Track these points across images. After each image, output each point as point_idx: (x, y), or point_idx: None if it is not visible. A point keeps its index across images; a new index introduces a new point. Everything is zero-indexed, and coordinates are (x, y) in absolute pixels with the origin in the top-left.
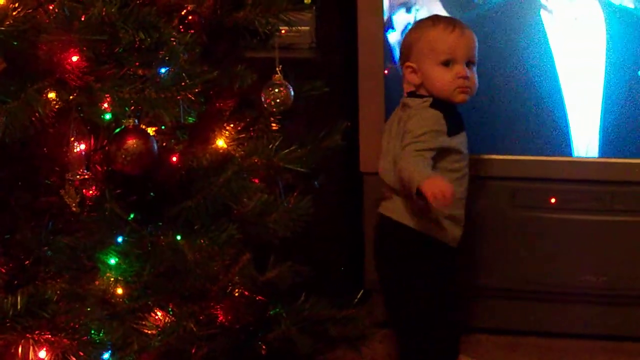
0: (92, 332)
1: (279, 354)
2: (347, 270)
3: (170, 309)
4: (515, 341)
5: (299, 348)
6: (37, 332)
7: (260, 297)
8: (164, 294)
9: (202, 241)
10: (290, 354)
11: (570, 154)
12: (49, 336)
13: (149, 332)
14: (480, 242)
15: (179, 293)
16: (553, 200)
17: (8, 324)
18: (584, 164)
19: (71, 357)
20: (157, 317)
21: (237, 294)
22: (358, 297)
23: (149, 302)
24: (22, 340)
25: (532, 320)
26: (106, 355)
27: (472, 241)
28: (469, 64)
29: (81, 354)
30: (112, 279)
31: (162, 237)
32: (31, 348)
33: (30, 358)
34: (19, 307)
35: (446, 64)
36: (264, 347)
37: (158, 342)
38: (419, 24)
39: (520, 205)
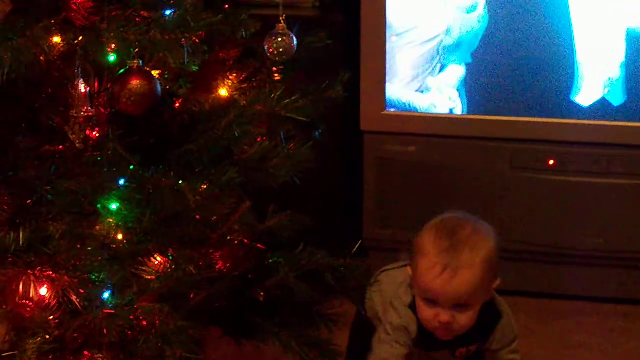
0: (93, 271)
1: (276, 301)
2: (345, 225)
3: (170, 254)
4: (512, 302)
5: (296, 296)
6: (38, 268)
7: (259, 245)
8: (164, 240)
9: (203, 184)
10: (288, 301)
11: (569, 116)
12: (50, 273)
13: (148, 277)
14: (478, 203)
15: (179, 239)
16: (551, 162)
17: (10, 259)
18: (583, 127)
19: (72, 294)
20: (156, 262)
21: (236, 242)
22: (356, 248)
23: (149, 247)
24: (24, 277)
25: (530, 282)
26: (106, 295)
27: (471, 203)
28: (459, 306)
29: (81, 291)
30: (112, 224)
31: (163, 180)
32: (32, 284)
33: (31, 294)
34: (21, 242)
35: (430, 301)
36: (262, 293)
37: (157, 285)
38: (424, 231)
39: (519, 167)
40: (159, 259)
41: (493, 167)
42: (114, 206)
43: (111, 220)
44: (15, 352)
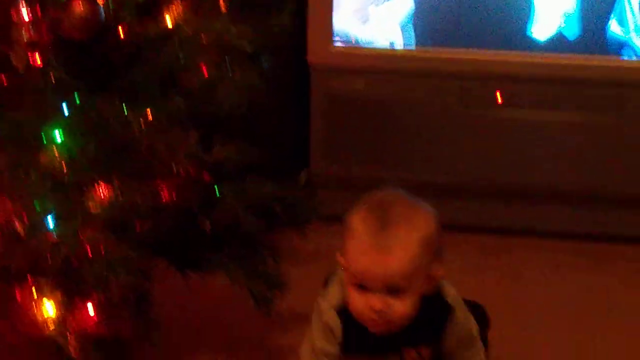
0: (37, 199)
1: (223, 233)
2: (292, 162)
3: (115, 185)
4: (462, 239)
5: (243, 227)
6: None
7: (205, 177)
8: (109, 171)
9: (148, 112)
10: (235, 232)
11: (522, 50)
12: None
13: (93, 207)
14: (428, 140)
15: (124, 170)
16: (502, 98)
17: None
18: (537, 62)
19: (16, 222)
20: (101, 193)
21: (182, 173)
22: (304, 181)
23: (94, 178)
24: None
25: (479, 218)
26: (51, 223)
27: (420, 139)
28: (393, 292)
29: (25, 219)
30: (57, 155)
31: (108, 108)
32: None
33: None
34: None
35: (360, 286)
36: (208, 225)
37: (102, 214)
38: (355, 210)
39: (469, 103)
40: (103, 190)
41: (443, 103)
42: (58, 136)
43: (55, 151)
44: None
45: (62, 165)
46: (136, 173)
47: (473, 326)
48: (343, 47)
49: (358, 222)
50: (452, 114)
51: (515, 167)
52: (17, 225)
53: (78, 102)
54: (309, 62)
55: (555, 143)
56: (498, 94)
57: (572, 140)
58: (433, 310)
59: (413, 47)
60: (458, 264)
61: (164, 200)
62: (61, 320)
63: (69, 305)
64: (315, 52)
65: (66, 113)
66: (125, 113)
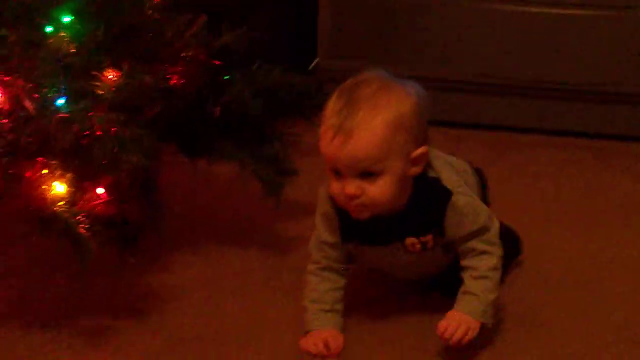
0: (47, 77)
1: (231, 118)
2: (299, 54)
3: (124, 68)
4: (467, 134)
5: (251, 110)
6: None
7: (214, 61)
8: (118, 54)
9: None
10: (243, 116)
11: None
12: (3, 76)
13: (102, 91)
14: (437, 34)
15: (133, 54)
16: None
17: None
18: None
19: (25, 99)
20: (110, 77)
21: (191, 57)
22: (311, 66)
23: (102, 62)
24: None
25: (486, 114)
26: (61, 101)
27: (429, 34)
28: (366, 175)
29: (35, 96)
30: (65, 38)
31: None
32: None
33: None
34: None
35: (336, 172)
36: (217, 109)
37: (111, 95)
38: (329, 100)
39: None
40: (112, 74)
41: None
42: (67, 19)
43: (64, 34)
44: None
45: (70, 49)
46: (145, 57)
47: (482, 214)
48: None
49: (327, 105)
50: (462, 8)
51: (525, 63)
52: (27, 103)
53: None
54: None
55: (565, 39)
56: None
57: (581, 36)
58: (430, 196)
59: None
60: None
61: (172, 85)
62: (70, 199)
63: (79, 185)
64: None
65: None
66: None
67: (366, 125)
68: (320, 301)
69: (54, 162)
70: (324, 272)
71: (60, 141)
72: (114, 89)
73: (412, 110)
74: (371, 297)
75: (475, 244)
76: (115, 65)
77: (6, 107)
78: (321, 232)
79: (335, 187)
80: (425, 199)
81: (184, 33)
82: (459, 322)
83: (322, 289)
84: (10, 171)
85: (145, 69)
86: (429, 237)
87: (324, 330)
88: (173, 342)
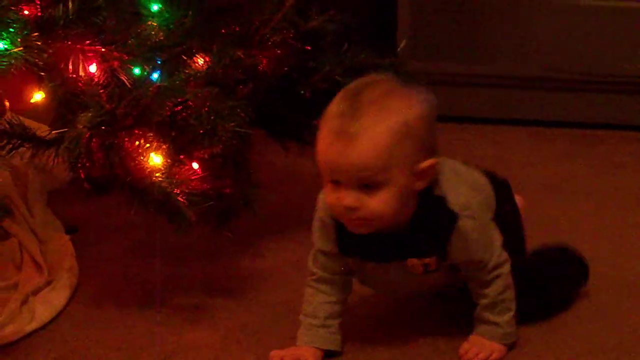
0: (143, 49)
1: (321, 97)
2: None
3: (214, 52)
4: (549, 132)
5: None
6: (87, 42)
7: (302, 45)
8: (207, 39)
9: None
10: (333, 97)
11: None
12: (100, 48)
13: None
14: (512, 30)
15: (223, 38)
16: None
17: (60, 33)
18: None
19: (121, 73)
20: (200, 63)
21: (279, 41)
22: (402, 45)
23: (192, 47)
24: (73, 52)
25: (567, 111)
26: (155, 75)
27: (504, 30)
28: (366, 187)
29: (130, 67)
30: (155, 26)
31: None
32: (81, 61)
33: (80, 72)
34: (69, 14)
35: (334, 182)
36: (307, 90)
37: (204, 73)
38: (332, 102)
39: None
40: (202, 59)
41: None
42: (155, 7)
43: (153, 22)
44: (67, 129)
45: (159, 37)
46: (234, 42)
47: (489, 242)
48: None
49: (329, 107)
50: (539, 5)
51: (604, 58)
52: (122, 76)
53: None
54: None
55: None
56: None
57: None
58: (435, 218)
59: None
60: (544, 154)
61: (262, 68)
62: (167, 170)
63: (175, 157)
64: None
65: None
66: None
67: (369, 131)
68: (312, 315)
69: (150, 133)
70: (319, 284)
71: (156, 113)
72: (206, 66)
73: (420, 117)
74: (373, 316)
75: (480, 274)
76: (205, 50)
77: (102, 79)
78: (316, 240)
79: (332, 197)
80: (429, 221)
81: (272, 17)
82: (480, 347)
83: (315, 301)
84: (109, 142)
85: (235, 52)
86: (432, 260)
87: (302, 347)
88: (267, 318)
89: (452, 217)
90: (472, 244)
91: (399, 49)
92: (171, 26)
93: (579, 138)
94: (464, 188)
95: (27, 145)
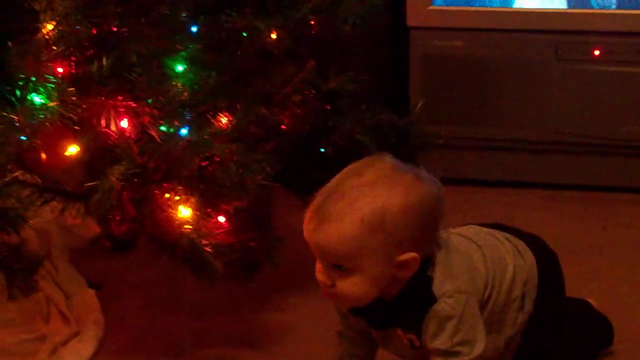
0: (173, 105)
1: (343, 155)
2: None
3: (238, 110)
4: (558, 195)
5: (363, 147)
6: (120, 98)
7: (322, 104)
8: (230, 99)
9: (278, 21)
10: (353, 153)
11: (613, 6)
12: (131, 103)
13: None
14: (524, 95)
15: (246, 97)
16: (597, 53)
17: (94, 89)
18: (628, 16)
19: (151, 129)
20: (223, 122)
21: (300, 101)
22: (419, 106)
23: (217, 105)
24: (106, 107)
25: (575, 174)
26: (184, 131)
27: (515, 95)
28: (339, 268)
29: (161, 122)
30: (179, 86)
31: (239, 21)
32: (113, 117)
33: (112, 127)
34: (104, 71)
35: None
36: (329, 147)
37: (230, 130)
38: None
39: (563, 58)
40: (225, 117)
41: (538, 59)
42: (180, 67)
43: (177, 82)
44: (98, 182)
45: (183, 96)
46: (257, 101)
47: (463, 334)
48: (441, 7)
49: (328, 183)
50: (548, 70)
51: (612, 121)
52: (153, 132)
53: (207, 17)
54: (409, 25)
55: None
56: (592, 49)
57: None
58: (415, 297)
59: (508, 5)
60: (556, 215)
61: (283, 127)
62: (195, 222)
63: (203, 210)
64: (414, 14)
65: (194, 30)
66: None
67: (340, 217)
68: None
69: (179, 187)
70: (341, 337)
71: (185, 166)
72: (232, 122)
73: (402, 210)
74: None
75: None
76: (229, 109)
77: (133, 134)
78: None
79: (316, 267)
80: (411, 298)
81: (293, 78)
82: None
83: (339, 353)
84: (140, 194)
85: (257, 110)
86: (412, 337)
87: None
88: None
89: (430, 299)
90: (444, 332)
91: (416, 110)
92: (195, 86)
93: (590, 200)
94: (461, 279)
95: (57, 199)
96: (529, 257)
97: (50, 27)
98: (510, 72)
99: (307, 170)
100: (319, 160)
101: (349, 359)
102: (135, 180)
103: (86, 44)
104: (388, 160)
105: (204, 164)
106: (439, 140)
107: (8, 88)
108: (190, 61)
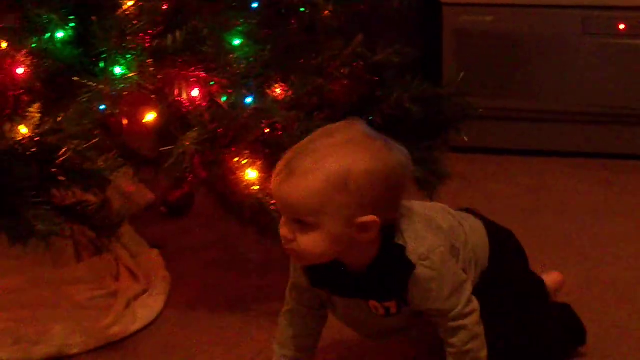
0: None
1: (393, 124)
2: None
3: (290, 82)
4: (582, 163)
5: (412, 115)
6: (192, 69)
7: (369, 76)
8: (284, 71)
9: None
10: (403, 124)
11: None
12: (202, 74)
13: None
14: (551, 68)
15: (298, 70)
16: (622, 27)
17: (169, 60)
18: None
19: (218, 97)
20: (277, 93)
21: (349, 72)
22: (460, 77)
23: (271, 76)
24: (179, 77)
25: (600, 143)
26: (249, 100)
27: (543, 67)
28: (300, 223)
29: (230, 91)
30: (234, 58)
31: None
32: (184, 86)
33: (184, 96)
34: (178, 42)
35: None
36: (379, 116)
37: (289, 98)
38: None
39: (590, 32)
40: (279, 88)
41: (566, 33)
42: (237, 41)
43: (233, 55)
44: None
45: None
46: (308, 72)
47: (449, 290)
48: None
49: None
50: (575, 44)
51: (636, 93)
52: (220, 100)
53: None
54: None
55: None
56: (618, 23)
57: None
58: (392, 266)
59: None
60: (584, 182)
61: (334, 98)
62: (261, 184)
63: (268, 172)
64: None
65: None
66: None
67: (306, 172)
68: (284, 346)
69: (246, 151)
70: (292, 316)
71: (250, 132)
72: (290, 92)
73: (368, 172)
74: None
75: (443, 321)
76: (284, 81)
77: (204, 103)
78: (291, 272)
79: (280, 222)
80: (387, 268)
81: (342, 51)
82: None
83: (288, 334)
84: (213, 158)
85: (311, 81)
86: (392, 304)
87: None
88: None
89: (408, 267)
90: (431, 293)
91: (456, 81)
92: (251, 59)
93: (616, 167)
94: (429, 237)
95: (129, 164)
96: (481, 232)
97: (131, 2)
98: (538, 45)
99: None
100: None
101: (302, 338)
102: (207, 144)
103: (158, 20)
104: (360, 126)
105: (265, 130)
106: (477, 111)
107: (91, 59)
108: (245, 35)
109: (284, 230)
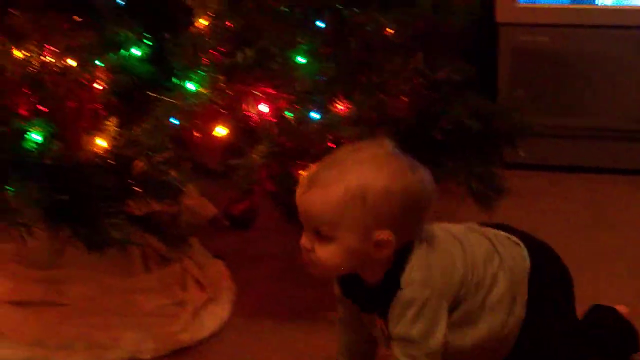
0: (305, 92)
1: (452, 139)
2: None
3: (353, 98)
4: (637, 180)
5: (471, 129)
6: (260, 85)
7: (429, 93)
8: (347, 87)
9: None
10: (461, 139)
11: None
12: (270, 89)
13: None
14: (605, 87)
15: (360, 86)
16: None
17: (238, 76)
18: None
19: (285, 113)
20: (340, 108)
21: (409, 89)
22: (518, 96)
23: (335, 93)
24: (247, 93)
25: None
26: (316, 115)
27: (598, 87)
28: (319, 235)
29: (296, 107)
30: (298, 75)
31: (362, 16)
32: (253, 101)
33: (252, 111)
34: (248, 60)
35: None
36: (438, 131)
37: (351, 113)
38: None
39: None
40: (342, 105)
41: (620, 53)
42: (302, 59)
43: (299, 72)
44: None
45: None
46: (370, 89)
47: (422, 324)
48: (528, 4)
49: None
50: (629, 64)
51: None
52: (287, 115)
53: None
54: (497, 21)
55: None
56: None
57: None
58: (387, 284)
59: (594, 3)
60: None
61: (395, 113)
62: None
63: None
64: (503, 11)
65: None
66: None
67: (327, 185)
68: (342, 354)
69: (311, 164)
70: (343, 324)
71: (316, 146)
72: (353, 107)
73: (386, 190)
74: None
75: (396, 349)
76: (347, 97)
77: (272, 118)
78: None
79: (302, 233)
80: (384, 286)
81: (404, 68)
82: None
83: (342, 341)
84: (281, 171)
85: (374, 98)
86: (382, 322)
87: None
88: None
89: (395, 286)
90: (404, 318)
91: (516, 99)
92: (316, 76)
93: None
94: (432, 272)
95: (197, 176)
96: (521, 261)
97: (204, 22)
98: (593, 65)
99: (417, 153)
100: (429, 144)
101: (355, 344)
102: (274, 158)
103: (229, 38)
104: (387, 144)
105: (331, 145)
106: (533, 127)
107: (165, 75)
108: (309, 53)
109: (303, 240)
